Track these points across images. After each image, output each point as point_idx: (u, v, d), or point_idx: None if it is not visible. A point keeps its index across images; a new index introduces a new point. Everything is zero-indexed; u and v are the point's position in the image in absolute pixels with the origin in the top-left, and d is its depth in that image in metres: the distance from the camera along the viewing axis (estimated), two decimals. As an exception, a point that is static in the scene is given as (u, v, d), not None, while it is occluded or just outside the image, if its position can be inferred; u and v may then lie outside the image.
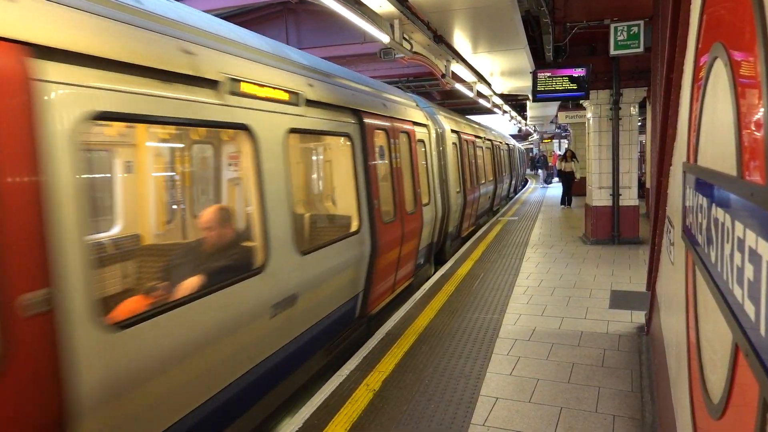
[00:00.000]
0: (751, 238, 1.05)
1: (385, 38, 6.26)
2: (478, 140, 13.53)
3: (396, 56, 7.16)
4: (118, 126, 4.46)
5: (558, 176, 18.44)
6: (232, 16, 9.67)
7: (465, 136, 11.70)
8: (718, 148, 1.50)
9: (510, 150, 22.23)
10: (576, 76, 9.26)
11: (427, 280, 7.78)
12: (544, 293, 6.87)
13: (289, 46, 5.06)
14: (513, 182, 22.88)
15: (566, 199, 16.54)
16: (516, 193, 23.91)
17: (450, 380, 4.33)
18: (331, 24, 9.95)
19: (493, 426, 3.64)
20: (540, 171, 31.30)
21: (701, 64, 1.86)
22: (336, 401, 4.04)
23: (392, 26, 6.34)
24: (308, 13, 10.46)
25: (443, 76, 8.94)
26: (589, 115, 10.56)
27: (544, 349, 4.95)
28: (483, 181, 13.66)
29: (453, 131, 10.48)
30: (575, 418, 3.70)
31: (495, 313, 6.06)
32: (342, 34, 10.02)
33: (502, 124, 24.74)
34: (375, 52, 7.82)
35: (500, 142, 18.65)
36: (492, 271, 8.15)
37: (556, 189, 21.56)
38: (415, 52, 7.41)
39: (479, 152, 13.72)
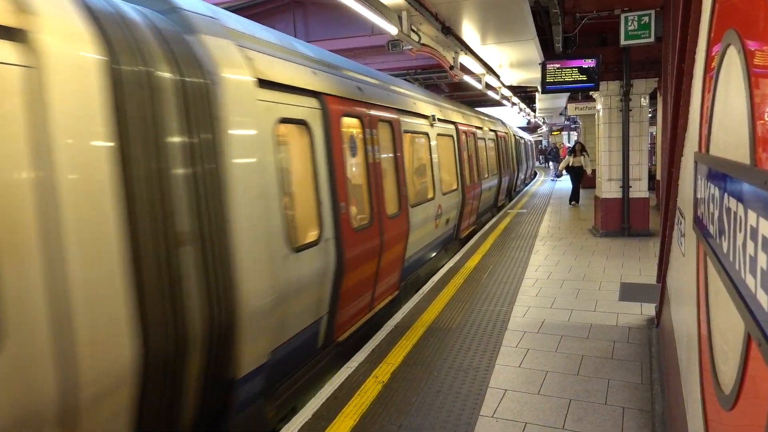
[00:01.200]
0: (764, 227, 1.04)
1: (393, 30, 6.24)
2: (414, 122, 7.38)
3: (404, 48, 7.14)
4: None
5: (567, 171, 16.83)
6: (240, 9, 9.66)
7: (358, 111, 5.38)
8: (730, 137, 1.48)
9: (500, 140, 15.73)
10: (586, 67, 9.17)
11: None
12: (553, 285, 6.85)
13: None
14: (507, 185, 17.26)
15: (575, 196, 15.97)
16: (511, 199, 18.51)
17: (459, 372, 4.34)
18: (338, 16, 9.92)
19: (502, 418, 3.64)
20: (551, 164, 30.96)
21: (713, 54, 1.83)
22: (345, 393, 4.06)
23: (400, 18, 6.33)
24: (316, 6, 10.43)
25: (452, 67, 8.90)
26: (599, 106, 10.46)
27: (553, 342, 4.94)
28: (430, 196, 7.81)
29: (279, 87, 3.95)
30: (584, 410, 3.69)
31: (504, 305, 6.05)
32: (350, 27, 9.99)
33: (511, 116, 24.55)
34: (383, 45, 7.77)
35: (479, 128, 12.38)
36: (501, 263, 8.13)
37: (566, 182, 21.35)
38: (424, 44, 7.38)
39: (421, 145, 8.12)
